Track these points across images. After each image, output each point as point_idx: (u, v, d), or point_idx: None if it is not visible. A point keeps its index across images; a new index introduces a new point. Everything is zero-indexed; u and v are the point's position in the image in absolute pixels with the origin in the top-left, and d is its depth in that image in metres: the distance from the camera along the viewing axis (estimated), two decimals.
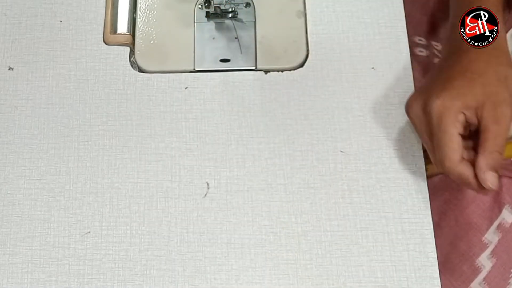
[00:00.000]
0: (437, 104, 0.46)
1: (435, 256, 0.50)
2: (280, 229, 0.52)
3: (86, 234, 0.52)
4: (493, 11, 0.49)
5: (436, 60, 0.69)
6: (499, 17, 0.49)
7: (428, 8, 0.71)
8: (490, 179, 0.43)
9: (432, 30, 0.71)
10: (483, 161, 0.43)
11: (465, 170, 0.45)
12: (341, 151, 0.54)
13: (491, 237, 0.60)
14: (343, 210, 0.52)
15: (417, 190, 0.53)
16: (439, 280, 0.50)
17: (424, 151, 0.54)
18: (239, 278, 0.50)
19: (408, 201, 0.52)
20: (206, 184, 0.53)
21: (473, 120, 0.45)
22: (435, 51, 0.69)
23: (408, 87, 0.57)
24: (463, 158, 0.45)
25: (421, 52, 0.69)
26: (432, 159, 0.49)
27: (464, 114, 0.45)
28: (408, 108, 0.50)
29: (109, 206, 0.53)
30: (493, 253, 0.59)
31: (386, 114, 0.56)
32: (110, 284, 0.50)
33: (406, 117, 0.55)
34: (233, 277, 0.50)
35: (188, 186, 0.53)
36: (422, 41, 0.70)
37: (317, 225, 0.52)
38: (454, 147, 0.44)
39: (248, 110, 0.55)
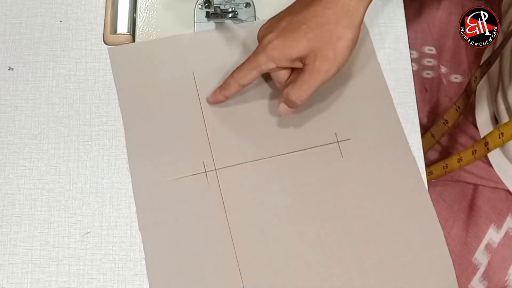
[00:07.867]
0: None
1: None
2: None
3: (86, 234, 0.52)
4: None
5: (443, 69, 0.69)
6: None
7: (434, 17, 0.72)
8: (281, 108, 0.51)
9: (438, 38, 0.72)
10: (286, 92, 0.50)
11: None
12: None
13: (481, 258, 0.59)
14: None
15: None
16: None
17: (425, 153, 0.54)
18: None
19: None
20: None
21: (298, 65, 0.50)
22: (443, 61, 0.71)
23: (408, 87, 0.57)
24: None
25: (429, 62, 0.70)
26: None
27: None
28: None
29: (109, 206, 0.53)
30: (484, 276, 0.58)
31: None
32: (110, 284, 0.50)
33: (406, 117, 0.55)
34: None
35: None
36: (432, 50, 0.70)
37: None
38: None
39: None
